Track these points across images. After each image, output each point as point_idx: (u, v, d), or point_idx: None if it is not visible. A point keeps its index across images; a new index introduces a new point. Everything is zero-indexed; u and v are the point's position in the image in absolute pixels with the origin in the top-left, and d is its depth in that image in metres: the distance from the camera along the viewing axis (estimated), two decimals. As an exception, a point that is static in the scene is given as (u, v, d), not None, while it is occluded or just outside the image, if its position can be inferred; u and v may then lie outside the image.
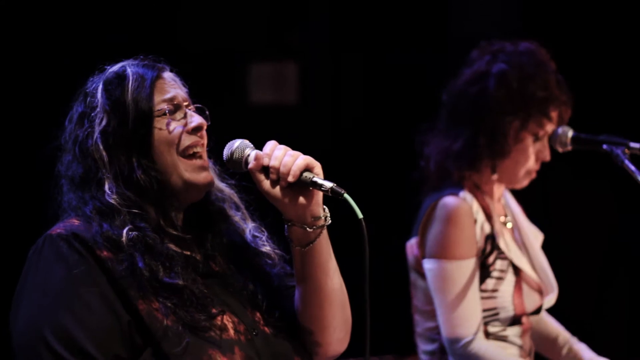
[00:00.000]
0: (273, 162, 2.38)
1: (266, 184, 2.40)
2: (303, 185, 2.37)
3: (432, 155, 3.41)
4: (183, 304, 2.32)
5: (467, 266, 3.28)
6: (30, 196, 4.42)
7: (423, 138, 3.48)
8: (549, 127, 3.37)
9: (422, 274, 3.37)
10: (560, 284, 3.59)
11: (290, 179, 2.36)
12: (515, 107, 3.33)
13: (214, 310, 2.37)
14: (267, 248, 2.58)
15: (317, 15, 5.35)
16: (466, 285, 3.27)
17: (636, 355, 4.95)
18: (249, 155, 2.43)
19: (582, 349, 3.55)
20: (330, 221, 2.44)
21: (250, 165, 2.41)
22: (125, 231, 2.35)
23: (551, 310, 3.65)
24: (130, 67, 2.51)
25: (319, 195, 2.40)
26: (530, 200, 3.72)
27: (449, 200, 3.34)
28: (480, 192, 3.39)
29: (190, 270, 2.40)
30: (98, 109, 2.46)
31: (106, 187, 2.40)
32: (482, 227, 3.33)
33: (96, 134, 2.44)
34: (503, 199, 3.56)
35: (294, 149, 2.48)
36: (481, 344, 3.26)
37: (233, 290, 2.46)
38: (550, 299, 3.48)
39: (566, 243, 4.84)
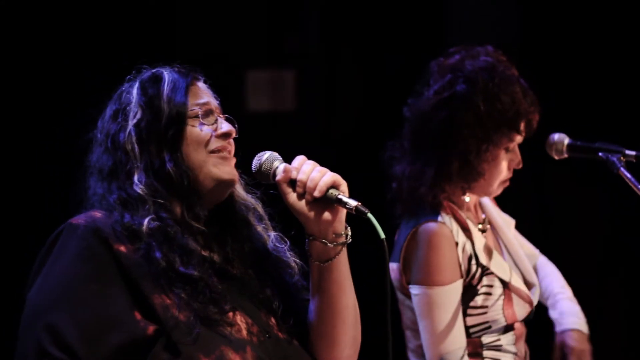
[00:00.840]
0: (301, 176, 2.43)
1: (292, 196, 2.44)
2: (328, 202, 2.42)
3: (404, 179, 3.39)
4: (197, 296, 2.35)
5: (451, 291, 3.28)
6: (30, 195, 4.45)
7: (390, 154, 3.46)
8: (519, 138, 3.37)
9: (408, 295, 3.37)
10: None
11: (317, 194, 2.41)
12: (484, 129, 3.31)
13: (227, 307, 2.38)
14: (288, 257, 2.60)
15: (314, 22, 5.36)
16: (450, 310, 3.27)
17: (634, 357, 4.95)
18: (277, 167, 2.47)
19: (564, 299, 3.59)
20: (351, 240, 2.47)
21: (278, 177, 2.46)
22: (147, 220, 2.38)
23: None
24: (166, 71, 2.56)
25: (343, 212, 2.44)
26: (528, 206, 3.72)
27: (428, 226, 3.32)
28: (456, 208, 3.38)
29: (207, 267, 2.42)
30: (132, 105, 2.51)
31: (135, 177, 2.44)
32: (463, 248, 3.32)
33: (129, 127, 2.48)
34: (478, 203, 3.56)
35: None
36: None
37: (249, 293, 2.48)
38: (535, 294, 3.47)
39: (563, 248, 4.85)
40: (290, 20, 5.33)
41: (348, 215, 2.45)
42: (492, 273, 3.35)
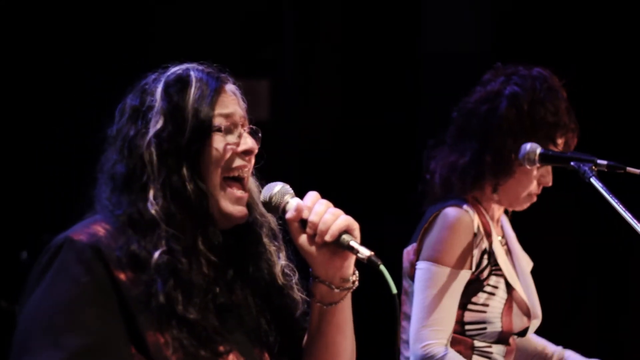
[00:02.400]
0: (313, 218, 2.30)
1: (302, 237, 2.32)
2: (339, 247, 2.30)
3: (438, 169, 3.45)
4: (192, 338, 2.23)
5: (455, 276, 3.30)
6: (30, 195, 4.43)
7: (430, 153, 3.51)
8: None
9: (414, 279, 3.39)
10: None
11: (328, 238, 2.28)
12: (523, 128, 3.37)
13: (221, 348, 2.27)
14: (294, 291, 2.47)
15: (289, 31, 5.37)
16: (448, 293, 3.29)
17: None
18: (287, 202, 2.35)
19: (571, 355, 3.59)
20: (357, 284, 2.38)
21: (288, 216, 2.33)
22: (157, 254, 2.23)
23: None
24: (193, 72, 2.39)
25: (352, 258, 2.33)
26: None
27: (451, 210, 3.37)
28: (481, 209, 3.42)
29: (209, 301, 2.28)
30: (155, 110, 2.33)
31: (150, 194, 2.28)
32: (480, 241, 3.36)
33: (150, 135, 2.30)
34: (500, 222, 3.59)
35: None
36: (441, 350, 3.27)
37: (247, 326, 2.37)
38: (535, 324, 3.51)
39: (538, 254, 4.88)
40: (265, 30, 5.34)
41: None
42: (501, 275, 3.39)
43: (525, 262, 3.60)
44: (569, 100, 3.46)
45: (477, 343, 3.37)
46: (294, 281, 2.48)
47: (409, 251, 3.44)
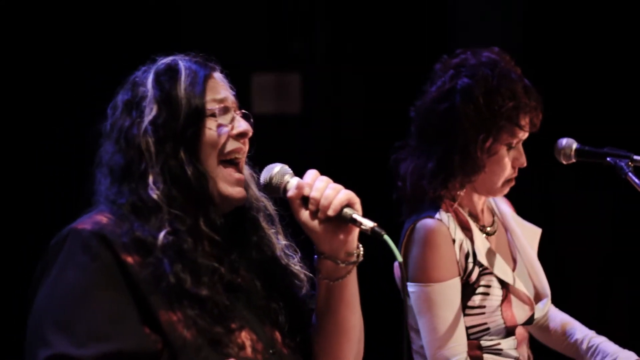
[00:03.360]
0: (314, 194, 2.33)
1: (304, 214, 2.34)
2: (342, 221, 2.32)
3: (408, 175, 3.39)
4: (204, 315, 2.26)
5: (449, 287, 3.26)
6: (30, 195, 4.45)
7: (397, 155, 3.46)
8: (522, 135, 3.36)
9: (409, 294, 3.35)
10: (562, 291, 3.58)
11: (331, 212, 2.31)
12: (484, 121, 3.30)
13: (233, 325, 2.31)
14: (298, 269, 2.51)
15: (320, 25, 5.35)
16: (449, 307, 3.25)
17: None
18: (288, 182, 2.38)
19: (603, 342, 3.51)
20: (362, 258, 2.40)
21: (290, 194, 2.35)
22: (162, 235, 2.27)
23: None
24: (182, 61, 2.44)
25: (356, 231, 2.35)
26: (533, 209, 3.70)
27: (425, 222, 3.30)
28: (458, 207, 3.37)
29: (216, 281, 2.32)
30: (148, 99, 2.37)
31: (150, 180, 2.31)
32: (461, 245, 3.31)
33: (145, 124, 2.34)
34: (490, 204, 3.54)
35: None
36: None
37: (255, 306, 2.40)
38: (545, 305, 3.45)
39: (567, 252, 4.84)
40: (296, 24, 5.33)
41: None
42: (491, 273, 3.33)
43: (532, 234, 3.54)
44: (523, 77, 3.35)
45: (484, 342, 3.33)
46: (296, 260, 2.52)
47: (396, 267, 3.39)
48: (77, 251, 2.25)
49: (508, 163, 3.35)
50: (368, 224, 2.30)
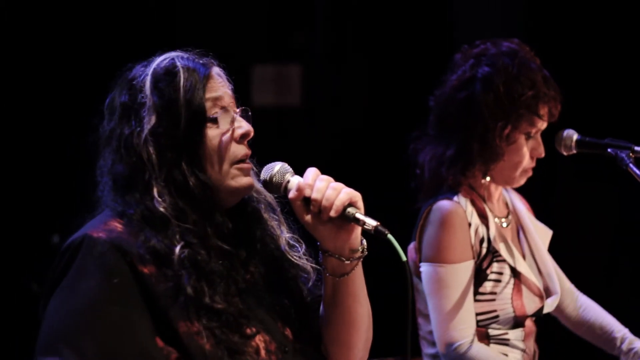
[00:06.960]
0: (315, 195, 2.31)
1: (307, 216, 2.33)
2: (345, 220, 2.32)
3: (426, 163, 3.41)
4: (221, 326, 2.26)
5: (461, 269, 3.28)
6: (30, 194, 4.45)
7: (415, 145, 3.47)
8: (541, 124, 3.38)
9: (421, 278, 3.37)
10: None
11: (333, 214, 2.30)
12: (504, 110, 3.33)
13: (248, 331, 2.30)
14: (303, 261, 2.49)
15: (320, 17, 5.35)
16: (460, 289, 3.26)
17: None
18: (289, 181, 2.37)
19: None
20: (367, 252, 2.39)
21: (291, 195, 2.34)
22: (177, 249, 2.26)
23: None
24: (179, 61, 2.39)
25: (359, 229, 2.34)
26: (534, 201, 3.70)
27: (442, 204, 3.33)
28: (476, 195, 3.39)
29: (231, 287, 2.32)
30: (147, 107, 2.34)
31: (155, 192, 2.30)
32: (476, 230, 3.33)
33: (145, 133, 2.31)
34: (505, 197, 3.55)
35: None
36: (474, 347, 3.25)
37: (266, 303, 2.40)
38: (554, 302, 3.46)
39: (570, 244, 4.84)
40: (296, 15, 5.32)
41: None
42: (503, 260, 3.35)
43: (544, 234, 3.55)
44: (542, 68, 3.39)
45: (491, 331, 3.34)
46: (301, 251, 2.51)
47: (410, 249, 3.41)
48: (92, 262, 2.23)
49: (526, 152, 3.37)
50: (371, 222, 2.29)
